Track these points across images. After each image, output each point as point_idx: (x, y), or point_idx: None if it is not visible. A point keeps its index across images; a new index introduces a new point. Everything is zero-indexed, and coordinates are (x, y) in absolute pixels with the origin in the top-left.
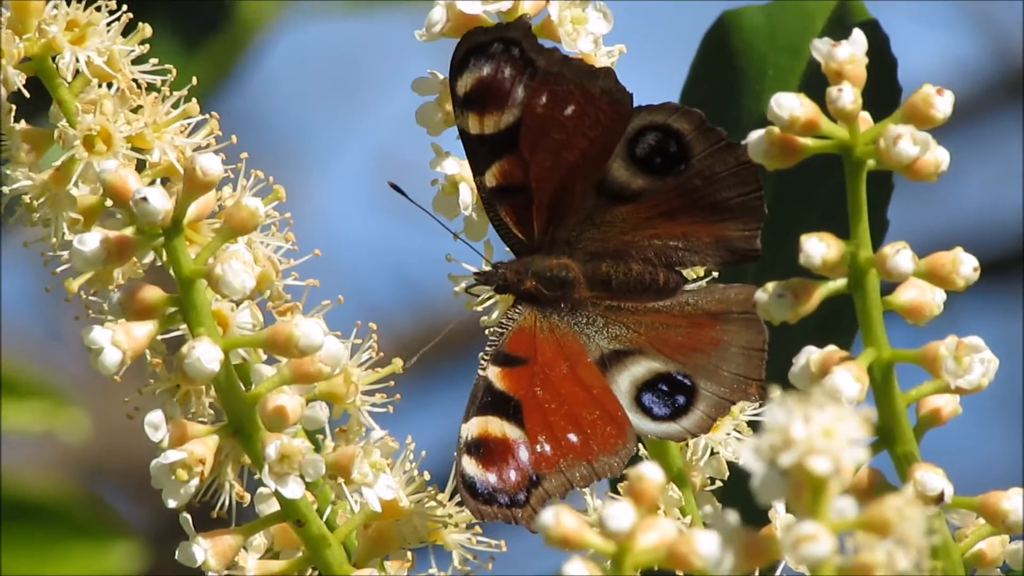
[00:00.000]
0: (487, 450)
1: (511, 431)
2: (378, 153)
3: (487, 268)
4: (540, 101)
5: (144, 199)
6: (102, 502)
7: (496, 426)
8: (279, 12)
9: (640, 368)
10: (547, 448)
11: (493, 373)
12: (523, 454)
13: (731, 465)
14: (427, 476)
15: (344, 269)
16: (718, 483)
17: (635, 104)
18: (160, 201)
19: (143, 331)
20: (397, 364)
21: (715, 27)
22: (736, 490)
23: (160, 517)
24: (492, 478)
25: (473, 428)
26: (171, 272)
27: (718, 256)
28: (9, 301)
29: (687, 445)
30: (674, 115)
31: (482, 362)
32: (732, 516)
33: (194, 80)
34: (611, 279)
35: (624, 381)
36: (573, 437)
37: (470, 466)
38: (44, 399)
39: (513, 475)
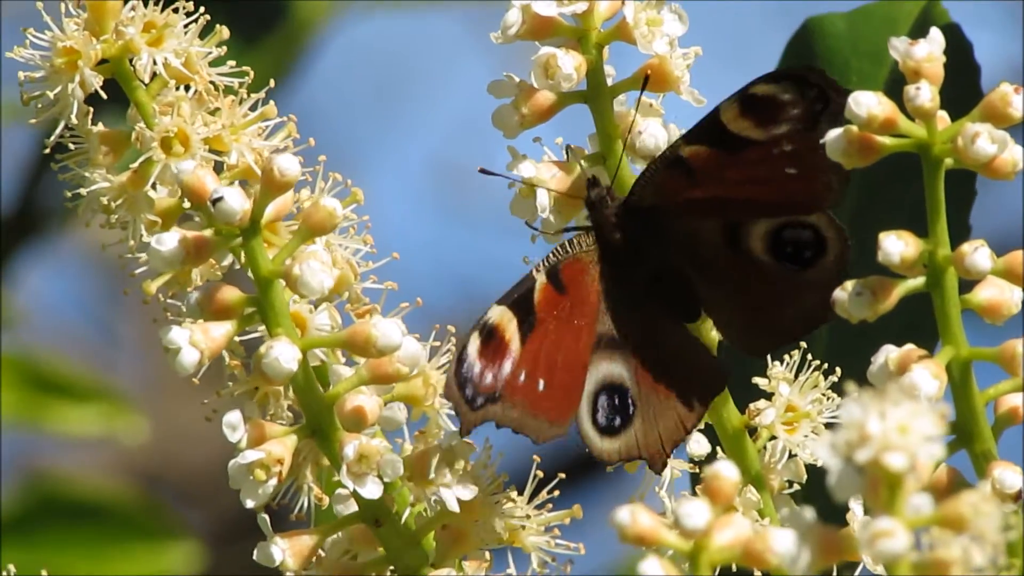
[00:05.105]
0: (491, 341)
1: (515, 342)
2: (434, 154)
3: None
4: (783, 150)
5: (221, 199)
6: (161, 504)
7: (510, 326)
8: (334, 11)
9: (599, 375)
10: (522, 379)
11: (539, 281)
12: (506, 367)
13: (809, 469)
14: (505, 478)
15: (401, 270)
16: (796, 487)
17: None
18: (237, 201)
19: (221, 331)
20: None
21: (799, 34)
22: (814, 494)
23: (218, 522)
24: (476, 368)
25: (495, 315)
26: (249, 274)
27: None
28: (67, 306)
29: (765, 448)
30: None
31: (540, 264)
32: (808, 512)
33: (250, 74)
34: (666, 298)
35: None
36: (541, 384)
37: (473, 345)
38: (103, 402)
39: (489, 379)
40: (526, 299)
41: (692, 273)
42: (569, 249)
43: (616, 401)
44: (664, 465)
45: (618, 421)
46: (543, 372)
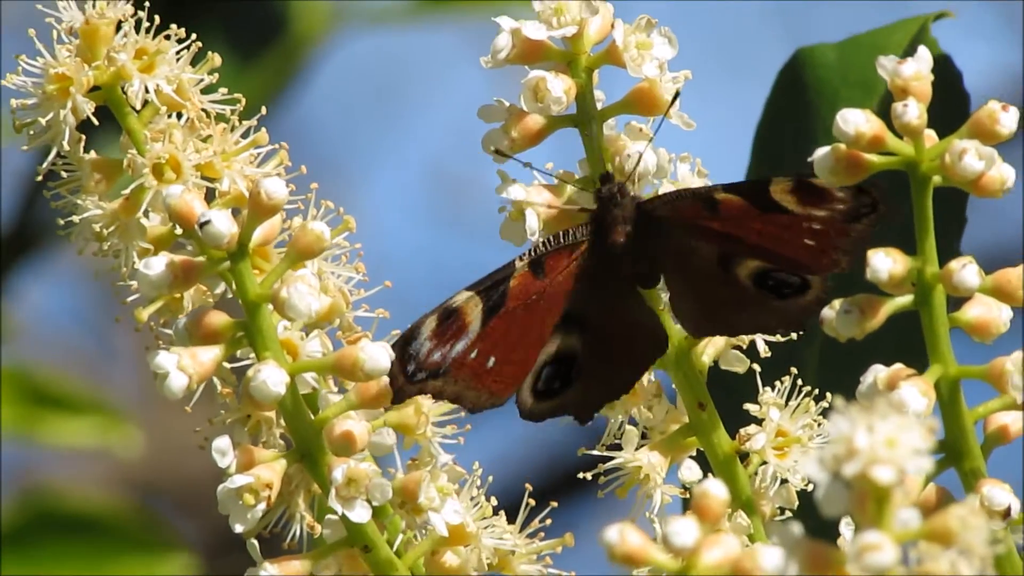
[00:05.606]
0: (449, 323)
1: (475, 324)
2: (431, 167)
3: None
4: (811, 226)
5: (208, 222)
6: (155, 515)
7: (475, 310)
8: (332, 26)
9: (553, 348)
10: (473, 356)
11: (520, 268)
12: (459, 346)
13: (800, 493)
14: (494, 502)
15: (396, 284)
16: (787, 513)
17: None
18: (225, 224)
19: (209, 356)
20: None
21: (789, 64)
22: (805, 515)
23: (213, 533)
24: (426, 347)
25: (461, 299)
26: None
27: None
28: (63, 319)
29: (756, 473)
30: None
31: (526, 254)
32: (796, 526)
33: (242, 101)
34: (635, 277)
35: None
36: (491, 362)
37: (428, 326)
38: (98, 415)
39: (436, 356)
40: (499, 286)
41: (669, 267)
42: (561, 239)
43: (561, 370)
44: (588, 420)
45: (557, 385)
46: (500, 351)
